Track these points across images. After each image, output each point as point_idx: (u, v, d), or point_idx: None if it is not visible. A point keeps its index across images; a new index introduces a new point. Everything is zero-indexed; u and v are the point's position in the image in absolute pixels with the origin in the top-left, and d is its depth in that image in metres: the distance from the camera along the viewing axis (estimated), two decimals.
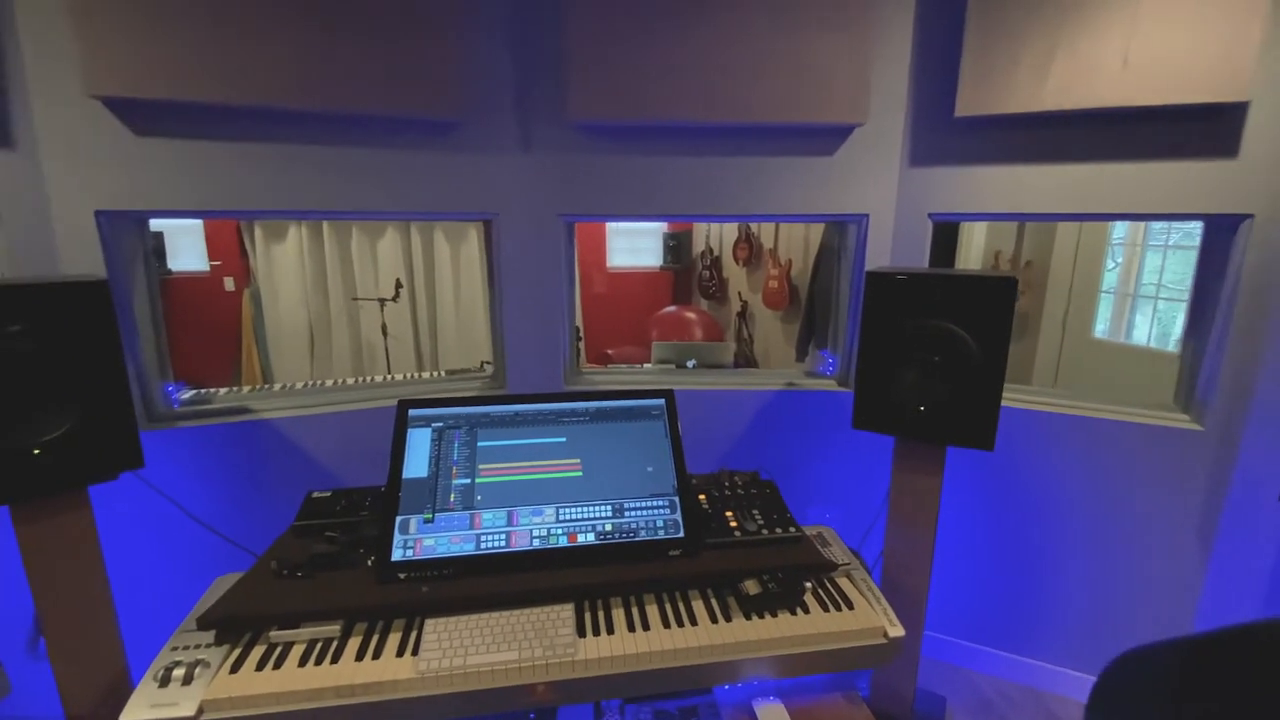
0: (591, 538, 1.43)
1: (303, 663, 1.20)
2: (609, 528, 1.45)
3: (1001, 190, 1.93)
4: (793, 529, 1.54)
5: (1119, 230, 4.16)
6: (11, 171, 1.56)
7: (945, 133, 1.93)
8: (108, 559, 1.46)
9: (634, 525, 1.46)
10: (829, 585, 1.47)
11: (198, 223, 4.83)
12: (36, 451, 1.31)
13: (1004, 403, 2.06)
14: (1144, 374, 3.82)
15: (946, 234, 3.97)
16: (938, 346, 1.61)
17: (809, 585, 1.44)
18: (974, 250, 4.24)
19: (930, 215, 2.04)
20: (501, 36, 1.92)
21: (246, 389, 2.20)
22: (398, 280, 4.79)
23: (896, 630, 1.36)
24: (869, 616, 1.37)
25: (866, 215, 2.08)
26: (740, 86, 1.89)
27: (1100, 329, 4.23)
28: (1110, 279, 4.19)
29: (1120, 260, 4.18)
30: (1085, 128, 1.80)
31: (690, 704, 1.76)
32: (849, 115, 1.92)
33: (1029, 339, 4.47)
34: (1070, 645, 2.16)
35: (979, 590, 2.25)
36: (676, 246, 5.88)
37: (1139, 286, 4.07)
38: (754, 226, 5.17)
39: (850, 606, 1.40)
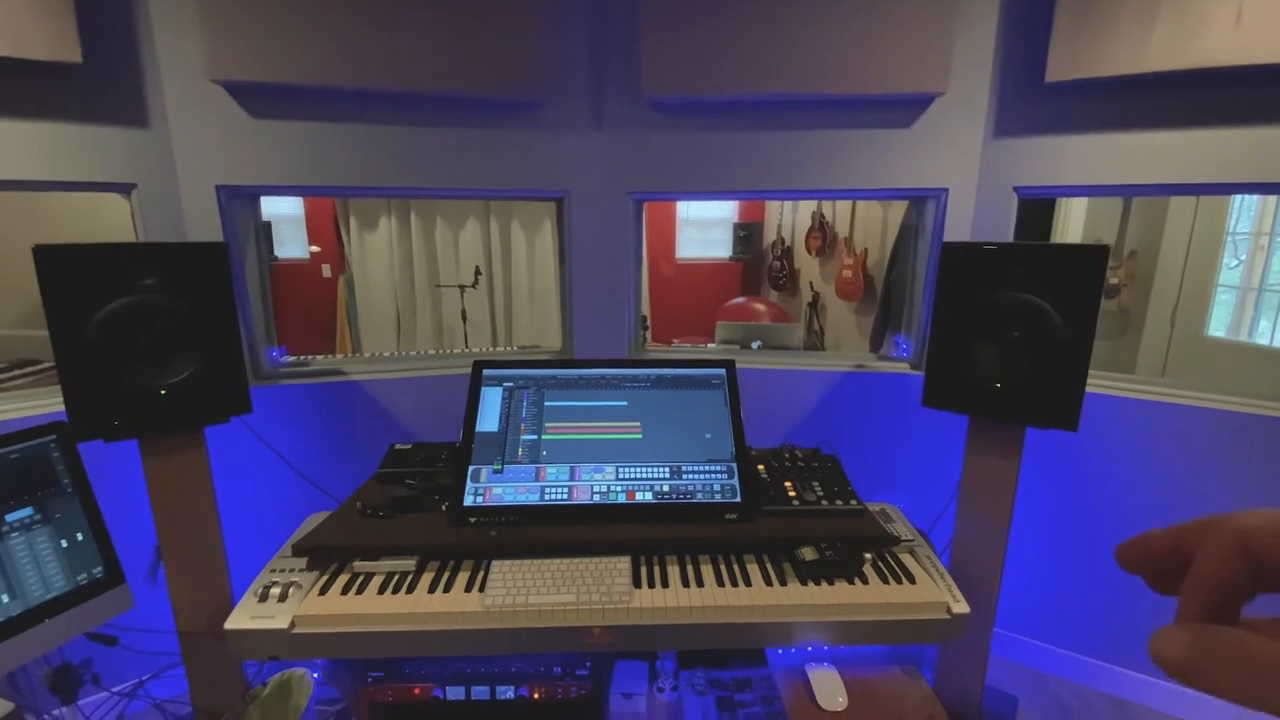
0: (649, 497, 1.46)
1: (381, 590, 1.30)
2: (666, 488, 1.48)
3: (1098, 160, 1.81)
4: (853, 502, 1.52)
5: (1243, 223, 3.77)
6: (146, 148, 1.76)
7: (1034, 100, 1.83)
8: (217, 495, 1.63)
9: (691, 488, 1.48)
10: (890, 559, 1.44)
11: (300, 214, 5.25)
12: (163, 392, 1.49)
13: (1097, 390, 1.94)
14: (1267, 376, 3.46)
15: (1038, 218, 3.74)
16: (1018, 321, 1.53)
17: (869, 557, 1.42)
18: (1070, 236, 3.97)
19: (1016, 189, 1.94)
20: (579, 16, 1.99)
21: (340, 356, 2.38)
22: (477, 268, 5.01)
23: (961, 607, 1.31)
24: (931, 591, 1.33)
25: (945, 190, 2.00)
26: (813, 58, 1.86)
27: (1216, 328, 3.85)
28: (1232, 275, 3.81)
29: (1244, 257, 3.79)
30: (1193, 90, 1.66)
31: (744, 675, 1.76)
32: (928, 84, 1.86)
33: (1131, 337, 4.14)
34: None
35: (1059, 588, 2.12)
36: (747, 237, 5.82)
37: (1265, 281, 3.67)
38: (828, 214, 5.05)
39: (912, 580, 1.37)
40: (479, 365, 1.65)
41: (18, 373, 3.15)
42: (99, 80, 1.66)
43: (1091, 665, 2.11)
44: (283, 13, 1.73)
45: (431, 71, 1.87)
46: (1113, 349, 4.12)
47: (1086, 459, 2.00)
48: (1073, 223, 3.98)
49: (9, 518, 1.33)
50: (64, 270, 1.36)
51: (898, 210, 4.27)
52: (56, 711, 1.70)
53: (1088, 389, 1.50)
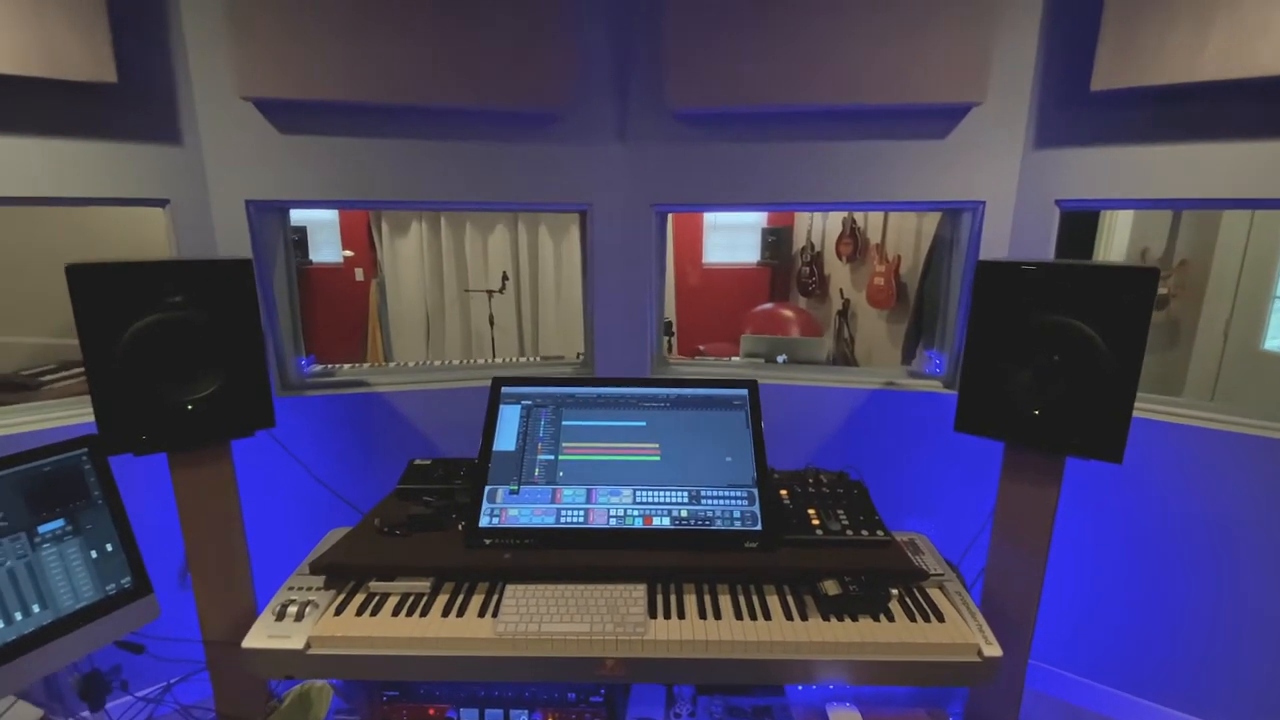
0: (667, 522, 1.43)
1: (395, 612, 1.30)
2: (685, 514, 1.44)
3: (1145, 173, 1.71)
4: (880, 532, 1.46)
5: None
6: (179, 165, 1.80)
7: (1078, 109, 1.74)
8: (243, 505, 1.66)
9: (710, 514, 1.44)
10: (918, 595, 1.38)
11: (335, 219, 5.35)
12: (190, 407, 1.52)
13: (1141, 414, 1.84)
14: None
15: (1081, 228, 3.59)
16: (1059, 345, 1.45)
17: (895, 592, 1.36)
18: (1116, 247, 3.80)
19: (1058, 202, 1.85)
20: (603, 27, 1.96)
21: (366, 365, 2.41)
22: (504, 273, 5.04)
23: (993, 649, 1.25)
24: (961, 632, 1.27)
25: (982, 203, 1.92)
26: (844, 67, 1.80)
27: (1273, 340, 3.65)
28: None
29: None
30: (1250, 100, 1.56)
31: (764, 703, 1.71)
32: (964, 94, 1.79)
33: (1180, 350, 3.94)
34: (1212, 695, 1.88)
35: (1097, 620, 2.02)
36: (776, 242, 5.73)
37: None
38: (859, 220, 4.94)
39: (940, 619, 1.31)
40: (498, 382, 1.64)
41: (64, 374, 3.28)
42: (134, 99, 1.70)
43: (1130, 701, 2.00)
44: (310, 31, 1.75)
45: (456, 86, 1.87)
46: (1161, 363, 3.93)
47: (1127, 487, 1.89)
48: (1119, 229, 3.81)
49: (41, 529, 1.37)
50: (95, 287, 1.39)
51: (932, 217, 4.16)
52: (85, 716, 1.74)
53: (1134, 414, 1.41)
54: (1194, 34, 1.52)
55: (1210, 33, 1.50)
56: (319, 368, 2.25)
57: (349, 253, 5.42)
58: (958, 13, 1.72)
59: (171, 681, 1.94)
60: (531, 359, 2.60)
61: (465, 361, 2.54)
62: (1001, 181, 1.89)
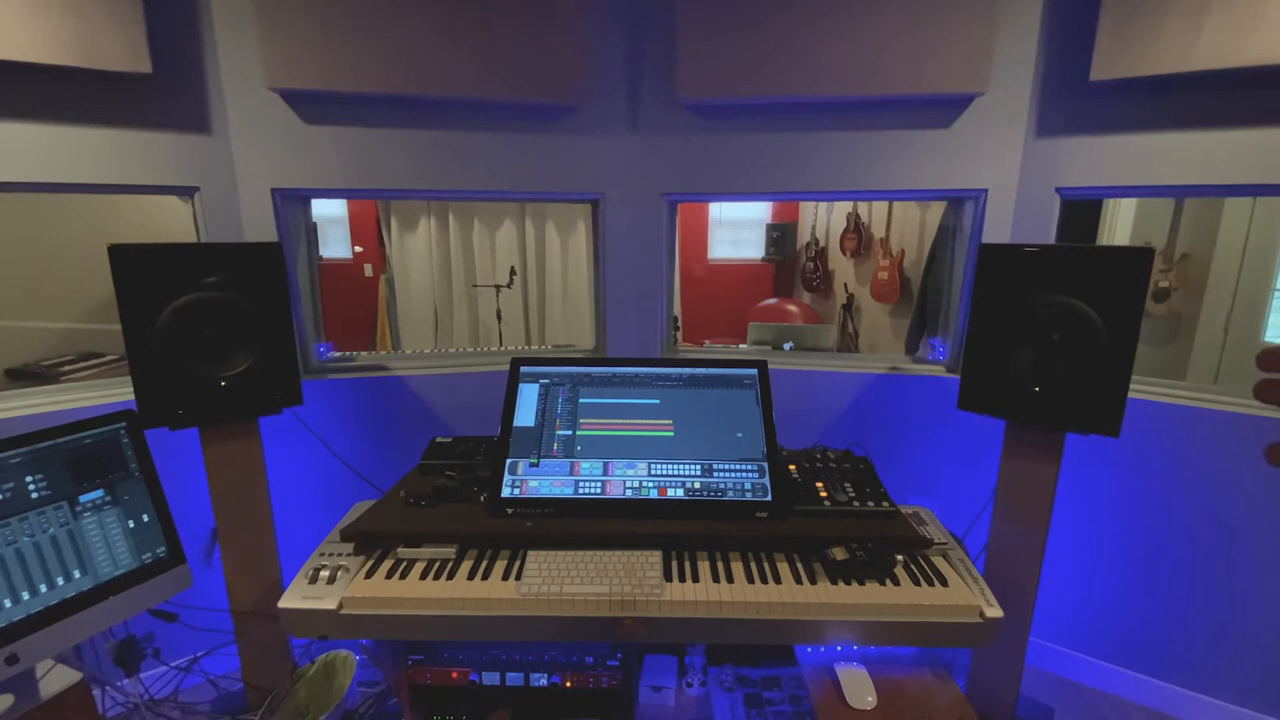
0: (681, 493, 1.49)
1: (423, 576, 1.36)
2: (697, 485, 1.50)
3: (1144, 160, 1.77)
4: (885, 503, 1.52)
5: None
6: (209, 153, 1.87)
7: (1078, 99, 1.80)
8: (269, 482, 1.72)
9: (722, 485, 1.50)
10: (922, 561, 1.44)
11: (344, 216, 5.42)
12: (223, 384, 1.58)
13: (1142, 395, 1.89)
14: None
15: (1083, 220, 3.64)
16: (1058, 325, 1.51)
17: (900, 559, 1.42)
18: (1117, 239, 3.85)
19: (1059, 190, 1.90)
20: (615, 21, 2.03)
21: (383, 353, 2.48)
22: (512, 268, 5.10)
23: (994, 611, 1.30)
24: (964, 595, 1.33)
25: (985, 191, 1.98)
26: (851, 59, 1.86)
27: (1274, 333, 3.69)
28: None
29: None
30: (1244, 89, 1.61)
31: (773, 673, 1.77)
32: (968, 84, 1.84)
33: (1182, 343, 3.99)
34: (1214, 671, 1.93)
35: (1101, 599, 2.07)
36: (780, 238, 5.78)
37: None
38: (864, 215, 4.99)
39: (944, 583, 1.36)
40: (517, 362, 1.70)
41: (83, 364, 3.35)
42: (167, 90, 1.77)
43: (1132, 678, 2.05)
44: (333, 25, 1.82)
45: (473, 78, 1.93)
46: (1162, 355, 3.97)
47: (1130, 467, 1.95)
48: (1120, 225, 3.86)
49: (83, 498, 1.43)
50: (135, 268, 1.46)
51: (936, 211, 4.21)
52: (120, 682, 1.81)
53: (1132, 395, 1.46)
54: (1188, 26, 1.58)
55: (1204, 24, 1.56)
56: (338, 353, 2.31)
57: (359, 248, 5.49)
58: (962, 5, 1.78)
59: (198, 655, 2.00)
60: (541, 346, 2.66)
61: (477, 348, 2.60)
62: (1003, 170, 1.95)
